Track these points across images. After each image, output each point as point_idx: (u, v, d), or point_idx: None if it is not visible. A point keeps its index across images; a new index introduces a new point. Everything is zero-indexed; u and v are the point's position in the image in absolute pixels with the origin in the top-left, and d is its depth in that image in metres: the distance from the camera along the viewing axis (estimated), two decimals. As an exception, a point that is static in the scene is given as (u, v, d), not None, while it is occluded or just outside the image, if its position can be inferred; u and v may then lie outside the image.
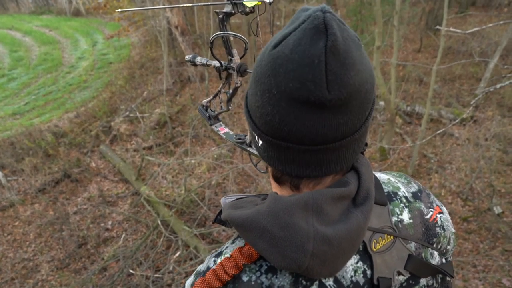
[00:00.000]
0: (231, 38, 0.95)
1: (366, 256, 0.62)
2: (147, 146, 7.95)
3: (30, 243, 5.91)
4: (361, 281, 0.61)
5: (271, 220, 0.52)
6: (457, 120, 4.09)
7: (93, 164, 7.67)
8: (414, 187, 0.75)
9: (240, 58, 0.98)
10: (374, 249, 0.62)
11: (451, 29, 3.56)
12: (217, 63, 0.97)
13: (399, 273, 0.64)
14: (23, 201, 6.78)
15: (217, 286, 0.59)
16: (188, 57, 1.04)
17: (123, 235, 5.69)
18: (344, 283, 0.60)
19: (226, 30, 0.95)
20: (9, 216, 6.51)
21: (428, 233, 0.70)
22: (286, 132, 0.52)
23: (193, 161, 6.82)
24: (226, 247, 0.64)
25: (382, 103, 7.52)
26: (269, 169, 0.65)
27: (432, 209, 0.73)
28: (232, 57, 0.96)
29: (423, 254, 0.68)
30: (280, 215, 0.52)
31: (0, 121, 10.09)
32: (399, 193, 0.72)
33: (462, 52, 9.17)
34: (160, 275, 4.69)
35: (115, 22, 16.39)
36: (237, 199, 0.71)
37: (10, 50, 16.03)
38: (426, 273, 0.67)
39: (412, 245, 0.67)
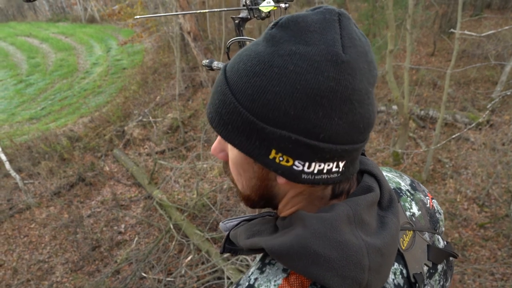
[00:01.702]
0: (247, 43, 0.95)
1: (399, 256, 0.62)
2: (159, 151, 8.03)
3: (45, 245, 6.01)
4: (401, 282, 0.61)
5: (321, 243, 0.48)
6: (473, 124, 4.03)
7: (107, 168, 7.78)
8: (407, 179, 0.78)
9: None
10: (403, 247, 0.63)
11: (466, 32, 3.51)
12: (232, 67, 0.98)
13: (426, 265, 0.66)
14: (39, 204, 6.91)
15: None
16: (205, 61, 1.05)
17: (136, 239, 5.74)
18: None
19: (242, 35, 0.95)
20: (26, 218, 6.64)
21: (432, 220, 0.73)
22: (363, 129, 0.50)
23: (205, 166, 6.85)
24: (256, 279, 0.55)
25: (395, 107, 7.44)
26: (302, 188, 0.56)
27: (427, 197, 0.76)
28: (248, 60, 0.96)
29: (435, 242, 0.71)
30: (328, 235, 0.48)
31: (17, 125, 10.33)
32: (402, 187, 0.73)
33: (477, 55, 9.02)
34: (172, 279, 4.71)
35: (129, 28, 16.68)
36: (241, 221, 0.70)
37: (27, 56, 16.44)
38: (441, 259, 0.69)
39: (427, 236, 0.69)
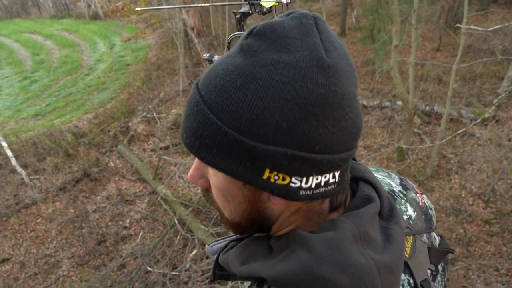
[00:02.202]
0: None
1: (404, 266, 0.57)
2: (164, 146, 8.06)
3: (51, 240, 6.06)
4: None
5: (329, 268, 0.44)
6: (479, 120, 4.01)
7: (112, 164, 7.82)
8: (396, 178, 0.73)
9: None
10: (407, 255, 0.59)
11: (472, 26, 3.49)
12: (234, 62, 0.97)
13: (429, 269, 0.63)
14: (45, 199, 6.97)
15: None
16: (205, 55, 1.05)
17: (141, 233, 5.78)
18: None
19: (244, 30, 0.95)
20: (32, 213, 6.70)
21: (426, 218, 0.69)
22: (355, 134, 0.47)
23: (209, 161, 6.86)
24: None
25: (400, 102, 7.41)
26: (300, 204, 0.52)
27: (417, 194, 0.72)
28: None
29: (432, 242, 0.67)
30: (336, 258, 0.44)
31: (23, 122, 10.40)
32: (394, 189, 0.69)
33: (483, 50, 8.94)
34: (177, 273, 4.74)
35: (132, 24, 16.68)
36: (229, 242, 0.65)
37: (32, 53, 16.52)
38: (441, 258, 0.66)
39: (425, 237, 0.65)
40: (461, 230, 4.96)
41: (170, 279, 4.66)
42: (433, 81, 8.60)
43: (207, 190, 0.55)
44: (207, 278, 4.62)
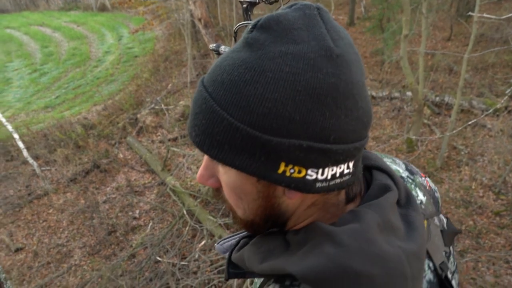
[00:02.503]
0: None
1: None
2: (172, 138, 8.10)
3: (63, 230, 6.18)
4: (431, 276, 0.59)
5: (360, 260, 0.43)
6: (490, 110, 3.94)
7: (121, 155, 7.90)
8: (401, 164, 0.72)
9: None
10: None
11: (485, 15, 3.41)
12: (241, 52, 0.97)
13: (444, 251, 0.64)
14: (56, 190, 7.08)
15: None
16: (212, 46, 1.05)
17: (150, 224, 5.85)
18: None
19: (250, 20, 0.94)
20: (44, 204, 6.83)
21: (434, 201, 0.69)
22: (367, 123, 0.47)
23: (217, 152, 6.89)
24: None
25: (409, 93, 7.32)
26: (315, 197, 0.52)
27: (422, 177, 0.72)
28: (256, 45, 0.96)
29: (443, 224, 0.68)
30: (366, 250, 0.44)
31: (33, 114, 10.53)
32: (403, 175, 0.69)
33: (496, 39, 8.75)
34: (186, 263, 4.81)
35: (140, 16, 16.66)
36: (241, 239, 0.63)
37: (41, 45, 16.64)
38: (452, 239, 0.67)
39: (436, 220, 0.66)
40: (471, 222, 4.92)
41: (179, 269, 4.73)
42: (444, 71, 8.46)
43: (217, 190, 0.54)
44: (216, 268, 4.67)
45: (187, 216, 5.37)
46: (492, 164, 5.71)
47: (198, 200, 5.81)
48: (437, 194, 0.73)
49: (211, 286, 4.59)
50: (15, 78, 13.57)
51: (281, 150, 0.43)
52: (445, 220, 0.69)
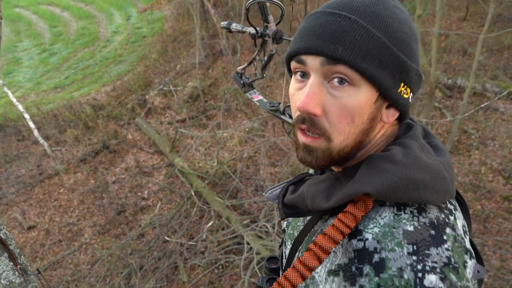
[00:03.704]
0: (268, 4, 0.92)
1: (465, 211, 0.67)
2: (180, 119, 8.12)
3: (74, 209, 6.32)
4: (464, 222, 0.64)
5: (414, 171, 0.54)
6: (504, 93, 3.84)
7: (130, 136, 7.96)
8: None
9: (276, 25, 0.95)
10: None
11: (503, -7, 3.27)
12: (252, 30, 0.95)
13: None
14: (66, 170, 7.20)
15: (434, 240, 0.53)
16: (223, 23, 1.03)
17: (159, 204, 5.94)
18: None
19: None
20: (55, 183, 6.96)
21: None
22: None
23: (225, 134, 6.90)
24: (393, 227, 0.54)
25: (421, 75, 7.15)
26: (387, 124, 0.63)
27: None
28: (268, 23, 0.94)
29: None
30: (417, 164, 0.55)
31: (43, 94, 10.62)
32: None
33: (513, 20, 8.45)
34: (193, 243, 4.90)
35: (148, -5, 16.44)
36: (288, 185, 0.73)
37: (50, 25, 16.59)
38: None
39: None
40: (479, 207, 4.89)
41: (187, 248, 4.82)
42: (457, 53, 8.23)
43: (312, 120, 0.58)
44: (223, 249, 4.76)
45: (195, 197, 5.44)
46: (503, 149, 5.62)
47: (206, 181, 5.86)
48: None
49: (218, 265, 4.68)
50: (25, 58, 13.62)
51: (408, 71, 0.57)
52: None
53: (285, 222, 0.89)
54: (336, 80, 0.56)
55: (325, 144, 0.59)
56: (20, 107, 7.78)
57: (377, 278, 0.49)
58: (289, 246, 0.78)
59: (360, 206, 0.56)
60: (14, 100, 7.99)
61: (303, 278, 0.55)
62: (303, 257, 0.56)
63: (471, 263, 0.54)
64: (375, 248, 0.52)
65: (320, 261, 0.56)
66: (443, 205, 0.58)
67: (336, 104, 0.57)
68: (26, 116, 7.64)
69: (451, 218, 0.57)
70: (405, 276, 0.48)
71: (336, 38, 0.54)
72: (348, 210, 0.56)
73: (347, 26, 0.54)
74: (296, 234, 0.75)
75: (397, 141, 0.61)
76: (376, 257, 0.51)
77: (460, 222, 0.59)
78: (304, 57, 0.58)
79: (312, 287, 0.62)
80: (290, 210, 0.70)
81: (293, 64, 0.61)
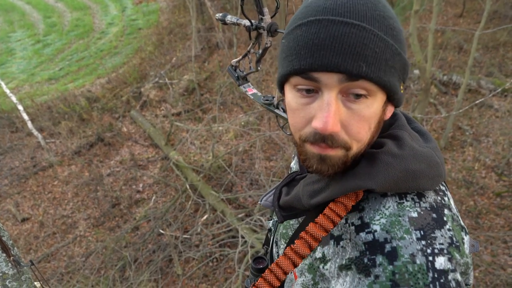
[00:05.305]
0: (263, -4, 0.91)
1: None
2: (175, 112, 8.08)
3: (68, 202, 6.30)
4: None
5: (411, 161, 0.57)
6: (498, 90, 3.86)
7: (125, 129, 7.92)
8: None
9: (271, 18, 0.94)
10: None
11: (500, -10, 3.27)
12: (247, 22, 0.95)
13: None
14: (60, 162, 7.16)
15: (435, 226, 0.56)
16: (218, 15, 1.02)
17: (154, 197, 5.94)
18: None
19: None
20: (49, 175, 6.92)
21: None
22: None
23: (220, 128, 6.89)
24: (411, 214, 0.56)
25: (417, 71, 7.17)
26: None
27: None
28: (263, 16, 0.93)
29: None
30: (412, 154, 0.58)
31: (37, 86, 10.50)
32: None
33: (509, 17, 8.47)
34: (188, 236, 4.91)
35: (144, -14, 16.24)
36: (280, 189, 0.75)
37: (44, 16, 16.36)
38: None
39: None
40: (472, 202, 4.94)
41: (181, 241, 4.83)
42: (453, 50, 8.25)
43: (332, 136, 0.56)
44: (217, 242, 4.77)
45: (189, 190, 5.44)
46: (497, 145, 5.67)
47: (201, 175, 5.86)
48: None
49: (213, 259, 4.70)
50: (18, 49, 13.45)
51: (407, 70, 0.58)
52: None
53: (270, 221, 0.90)
54: (353, 95, 0.54)
55: (342, 152, 0.57)
56: (14, 99, 7.70)
57: (391, 267, 0.51)
58: (282, 246, 0.78)
59: (351, 196, 0.59)
60: (7, 91, 7.91)
61: (295, 266, 0.58)
62: (295, 245, 0.59)
63: (467, 239, 0.58)
64: (385, 239, 0.54)
65: (311, 249, 0.59)
66: (437, 188, 0.62)
67: (354, 117, 0.55)
68: (20, 107, 7.57)
69: (446, 198, 0.61)
70: (418, 261, 0.51)
71: (357, 54, 0.50)
72: (339, 199, 0.59)
73: (364, 38, 0.51)
74: (290, 233, 0.75)
75: (387, 133, 0.64)
76: (387, 247, 0.53)
77: (452, 201, 0.63)
78: (316, 75, 0.52)
79: (323, 284, 0.64)
80: (286, 212, 0.72)
81: (297, 80, 0.56)
